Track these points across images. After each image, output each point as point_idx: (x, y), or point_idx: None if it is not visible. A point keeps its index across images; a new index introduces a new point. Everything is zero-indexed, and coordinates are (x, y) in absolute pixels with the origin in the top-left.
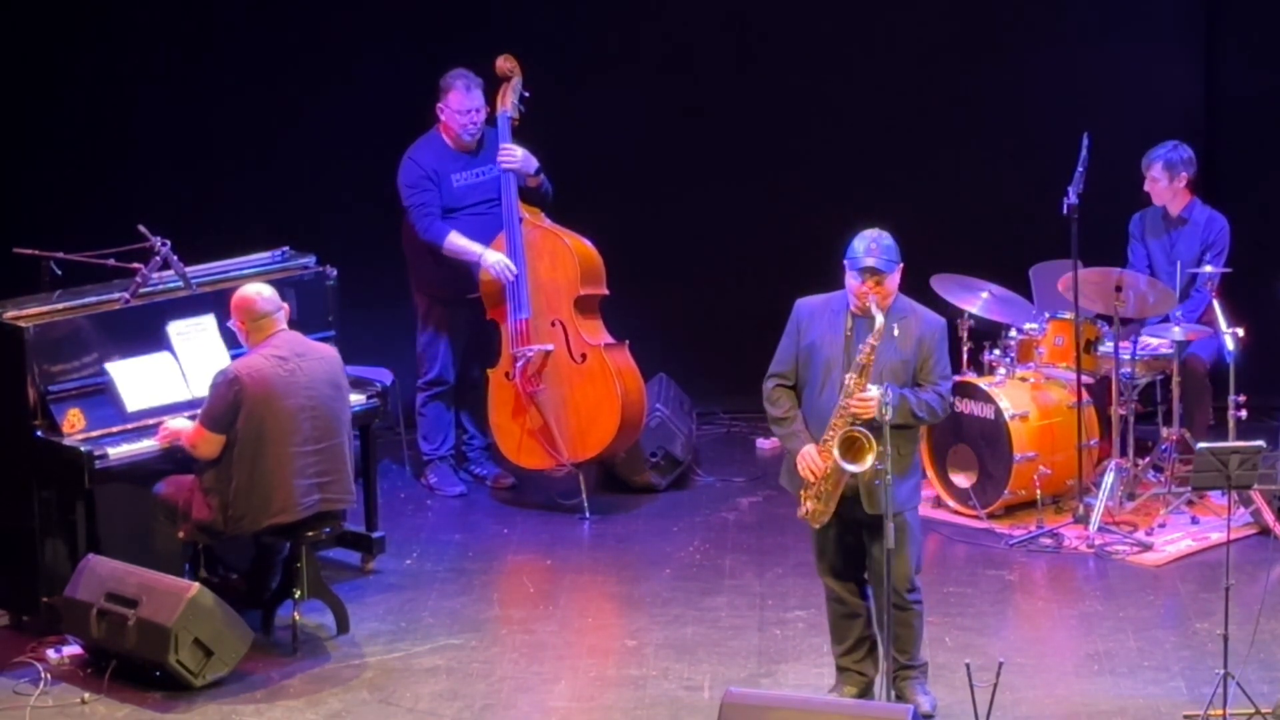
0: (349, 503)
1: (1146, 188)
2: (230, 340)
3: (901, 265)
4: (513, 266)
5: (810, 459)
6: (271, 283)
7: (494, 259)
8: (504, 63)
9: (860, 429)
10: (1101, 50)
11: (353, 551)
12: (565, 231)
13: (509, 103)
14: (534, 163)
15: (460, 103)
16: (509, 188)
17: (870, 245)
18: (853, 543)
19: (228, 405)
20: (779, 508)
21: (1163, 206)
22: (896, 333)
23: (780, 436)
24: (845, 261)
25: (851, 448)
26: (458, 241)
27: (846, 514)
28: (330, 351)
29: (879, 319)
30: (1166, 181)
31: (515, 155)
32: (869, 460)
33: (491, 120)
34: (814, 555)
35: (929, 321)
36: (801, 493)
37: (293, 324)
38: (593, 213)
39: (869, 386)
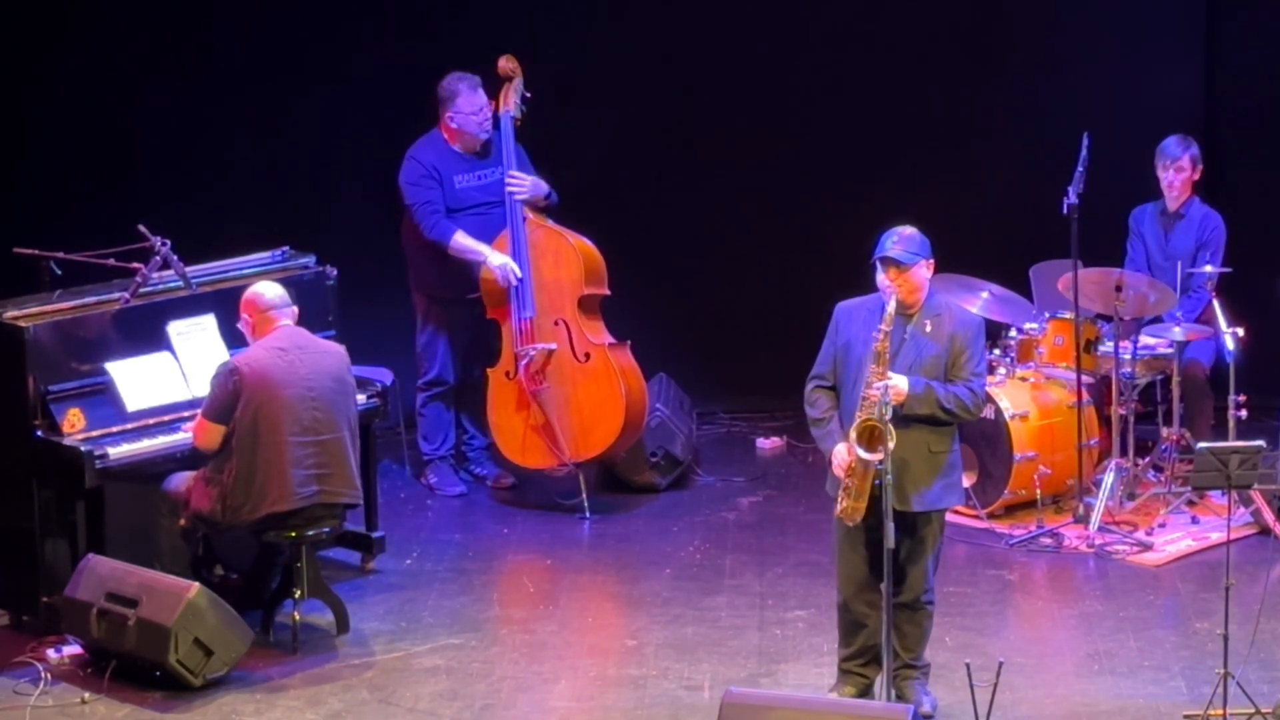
0: (352, 496)
1: (1169, 179)
2: (231, 340)
3: (931, 261)
4: (518, 271)
5: (840, 456)
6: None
7: (499, 261)
8: (506, 63)
9: (876, 418)
10: (1102, 51)
11: (353, 551)
12: (568, 231)
13: (511, 103)
14: (543, 187)
15: (470, 104)
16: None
17: (894, 238)
18: (877, 548)
19: (227, 395)
20: (779, 508)
21: (1163, 202)
22: (929, 328)
23: (817, 439)
24: (873, 259)
25: (869, 437)
26: (463, 241)
27: (878, 512)
28: (336, 348)
29: (890, 306)
30: (1190, 171)
31: (524, 184)
32: (885, 446)
33: (494, 121)
34: (836, 559)
35: (963, 318)
36: (839, 492)
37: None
38: (593, 213)
39: (889, 375)
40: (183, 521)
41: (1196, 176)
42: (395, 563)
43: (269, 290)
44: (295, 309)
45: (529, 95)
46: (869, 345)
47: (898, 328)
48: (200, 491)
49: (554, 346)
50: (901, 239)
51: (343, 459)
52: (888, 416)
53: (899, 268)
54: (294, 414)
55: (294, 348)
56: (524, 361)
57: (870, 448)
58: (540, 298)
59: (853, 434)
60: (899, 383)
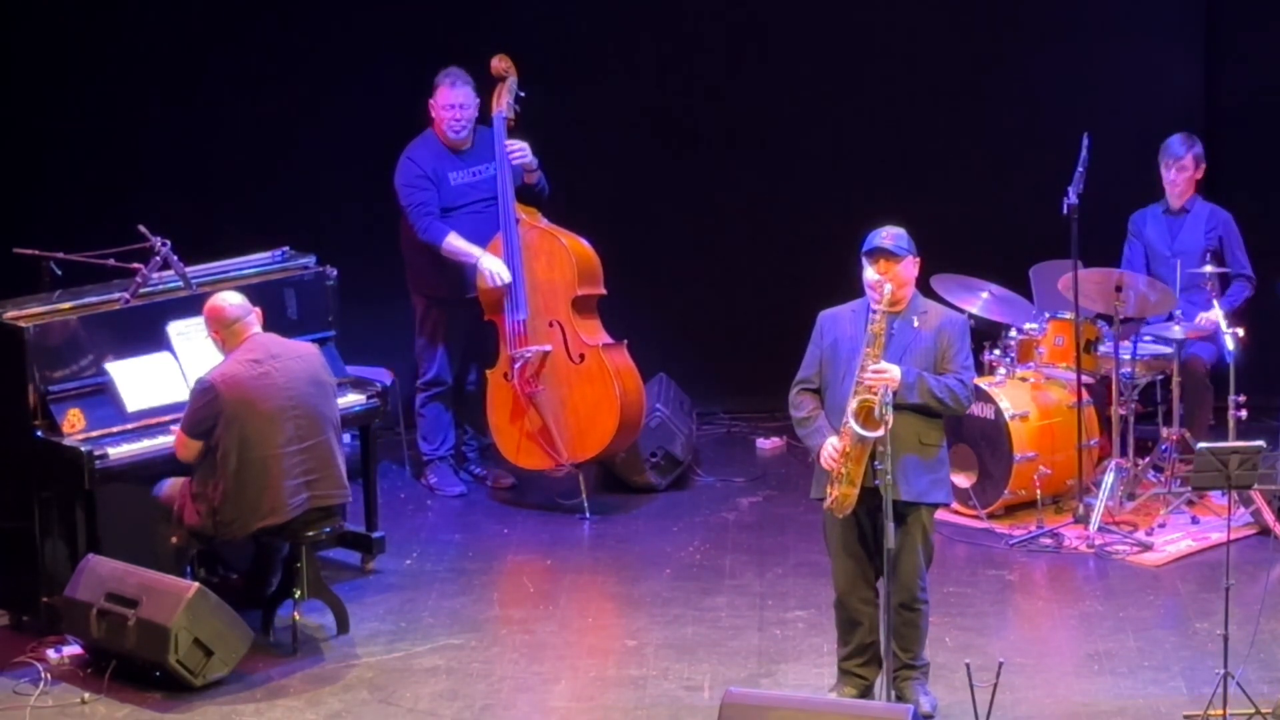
0: (342, 497)
1: (1171, 178)
2: None
3: (917, 259)
4: (505, 275)
5: (830, 446)
6: (271, 283)
7: (488, 264)
8: (499, 63)
9: (875, 398)
10: (1102, 50)
11: (353, 551)
12: (562, 231)
13: (504, 103)
14: (535, 159)
15: (444, 98)
16: (506, 188)
17: (883, 233)
18: (870, 545)
19: (204, 413)
20: (779, 508)
21: (1165, 201)
22: (916, 324)
23: (804, 438)
24: (862, 253)
25: (868, 416)
26: (456, 243)
27: (868, 507)
28: (309, 349)
29: (888, 289)
30: (1193, 169)
31: (525, 149)
32: (884, 426)
33: (486, 120)
34: (830, 555)
35: (949, 315)
36: (828, 486)
37: (292, 324)
38: (593, 212)
39: (881, 360)
40: (175, 540)
41: (1199, 175)
42: (395, 563)
43: (228, 300)
44: (258, 310)
45: (523, 94)
46: (856, 341)
47: (886, 322)
48: (189, 508)
49: (549, 348)
50: (891, 234)
51: (330, 461)
52: (888, 415)
53: (890, 258)
54: (277, 426)
55: (268, 357)
56: (519, 364)
57: (868, 426)
58: (534, 299)
59: (853, 404)
60: (892, 370)
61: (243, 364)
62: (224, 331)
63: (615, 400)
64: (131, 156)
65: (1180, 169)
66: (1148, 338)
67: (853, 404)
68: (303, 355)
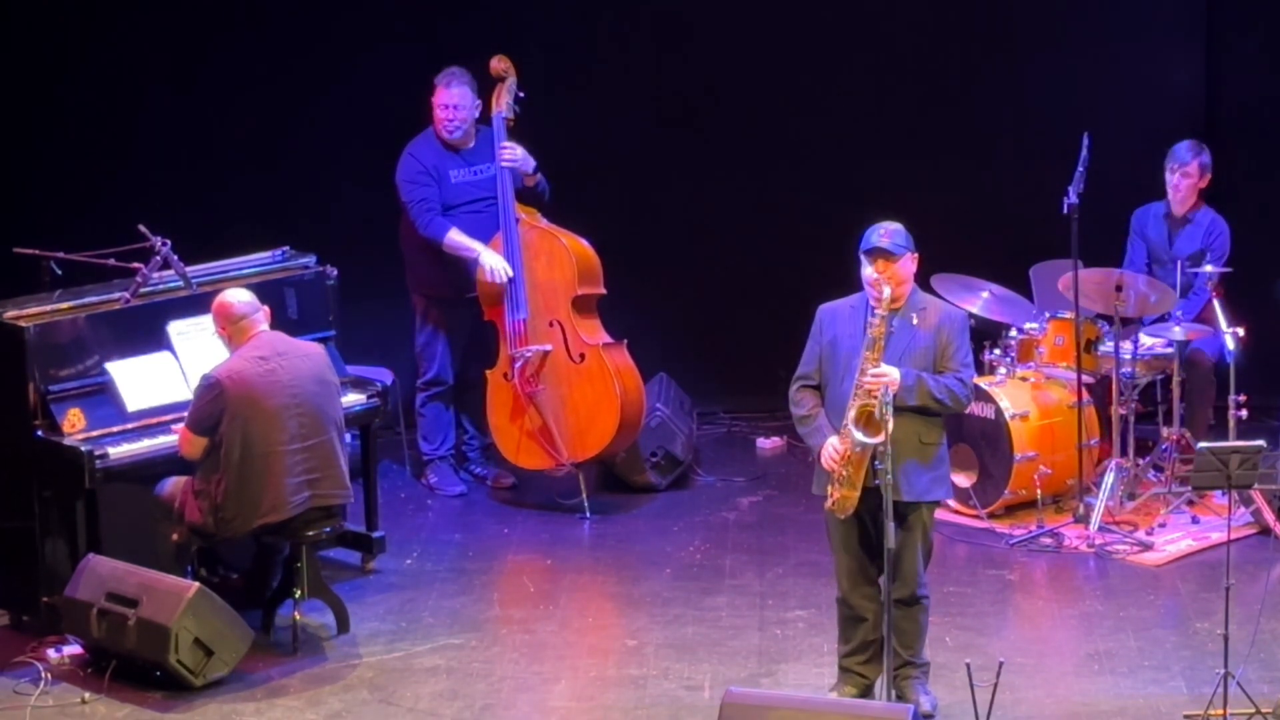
0: (344, 498)
1: (1174, 183)
2: None
3: (915, 255)
4: (508, 270)
5: (831, 448)
6: (271, 283)
7: (490, 260)
8: (498, 63)
9: (876, 410)
10: (1102, 50)
11: (353, 551)
12: (562, 231)
13: (504, 103)
14: (532, 161)
15: (440, 97)
16: (505, 187)
17: (880, 231)
18: (873, 542)
19: (209, 409)
20: (779, 508)
21: (1168, 204)
22: (915, 321)
23: (804, 436)
24: (860, 252)
25: (869, 421)
26: (457, 238)
27: (869, 506)
28: (315, 349)
29: (886, 291)
30: (1197, 178)
31: (516, 153)
32: (885, 431)
33: (486, 120)
34: (832, 552)
35: (948, 311)
36: (829, 486)
37: (292, 324)
38: (593, 212)
39: (881, 363)
40: (176, 537)
41: (1204, 184)
42: (395, 563)
43: (237, 297)
44: (266, 309)
45: (522, 95)
46: (855, 339)
47: (885, 324)
48: (191, 505)
49: (549, 348)
50: (889, 232)
51: (332, 461)
52: (888, 415)
53: (888, 258)
54: (281, 424)
55: (274, 355)
56: (519, 364)
57: (869, 432)
58: (534, 299)
59: (851, 413)
60: (891, 373)
61: (248, 361)
62: (231, 328)
63: (615, 400)
64: (131, 156)
65: (1185, 174)
66: (1147, 342)
67: (852, 411)
68: (309, 354)
